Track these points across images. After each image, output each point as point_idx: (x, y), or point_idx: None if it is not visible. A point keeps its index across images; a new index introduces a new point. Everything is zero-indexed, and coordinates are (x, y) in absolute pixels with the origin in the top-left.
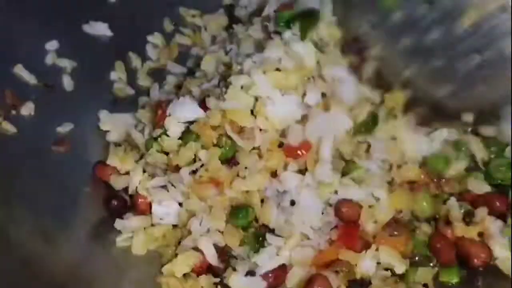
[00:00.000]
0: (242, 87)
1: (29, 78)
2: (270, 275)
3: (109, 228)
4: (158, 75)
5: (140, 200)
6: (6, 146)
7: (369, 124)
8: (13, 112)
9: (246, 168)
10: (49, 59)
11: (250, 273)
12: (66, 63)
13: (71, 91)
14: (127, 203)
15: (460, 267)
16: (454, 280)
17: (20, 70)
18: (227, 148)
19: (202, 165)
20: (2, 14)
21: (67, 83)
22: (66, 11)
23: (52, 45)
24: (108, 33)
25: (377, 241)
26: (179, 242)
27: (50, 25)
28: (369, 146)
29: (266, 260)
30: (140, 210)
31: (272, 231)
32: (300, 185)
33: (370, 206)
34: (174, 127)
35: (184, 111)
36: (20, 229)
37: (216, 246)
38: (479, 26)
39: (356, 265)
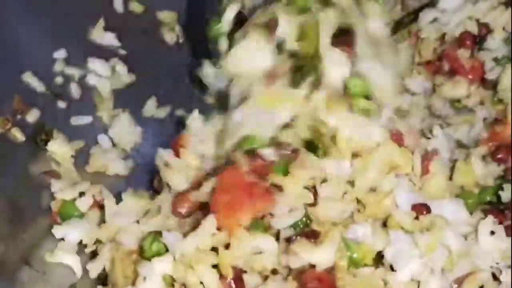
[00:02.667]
0: None
1: (38, 85)
2: None
3: None
4: None
5: None
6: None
7: None
8: (19, 116)
9: None
10: (57, 67)
11: None
12: (74, 71)
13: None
14: None
15: None
16: None
17: (28, 78)
18: None
19: None
20: (13, 21)
21: (75, 91)
22: (74, 21)
23: (60, 54)
24: (116, 43)
25: None
26: None
27: (58, 34)
28: None
29: None
30: None
31: None
32: None
33: None
34: None
35: None
36: None
37: None
38: None
39: None
